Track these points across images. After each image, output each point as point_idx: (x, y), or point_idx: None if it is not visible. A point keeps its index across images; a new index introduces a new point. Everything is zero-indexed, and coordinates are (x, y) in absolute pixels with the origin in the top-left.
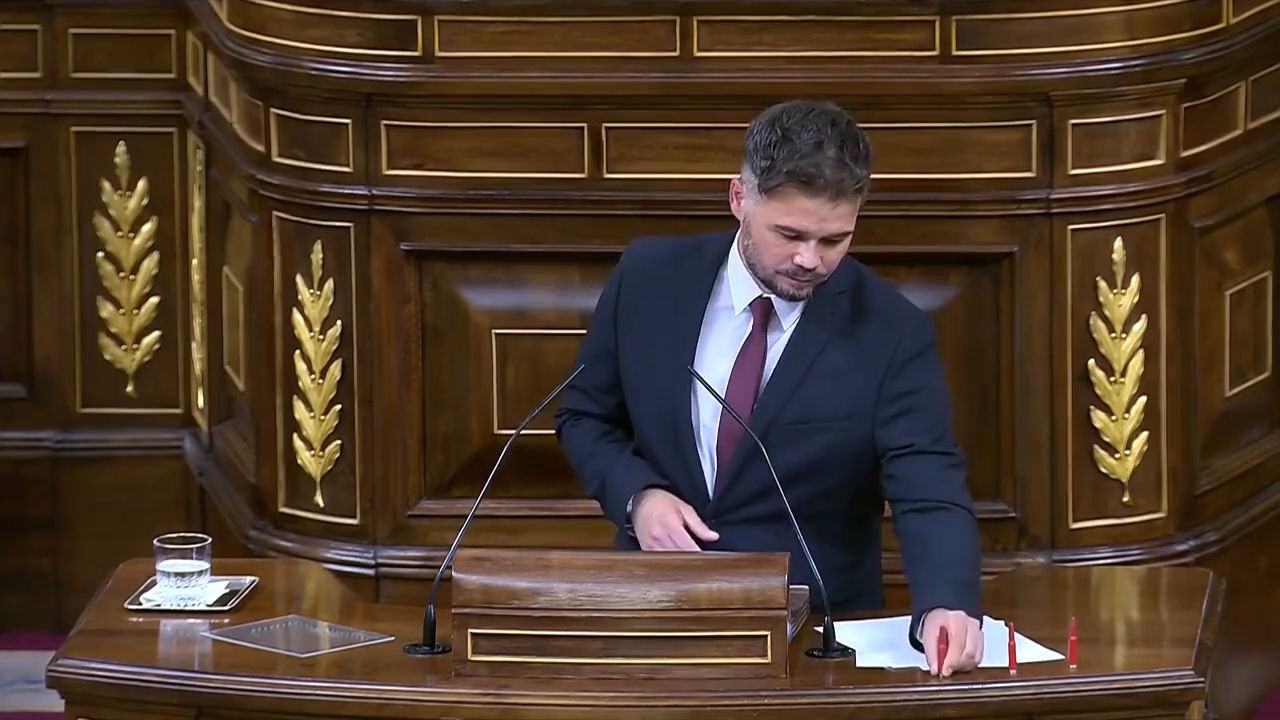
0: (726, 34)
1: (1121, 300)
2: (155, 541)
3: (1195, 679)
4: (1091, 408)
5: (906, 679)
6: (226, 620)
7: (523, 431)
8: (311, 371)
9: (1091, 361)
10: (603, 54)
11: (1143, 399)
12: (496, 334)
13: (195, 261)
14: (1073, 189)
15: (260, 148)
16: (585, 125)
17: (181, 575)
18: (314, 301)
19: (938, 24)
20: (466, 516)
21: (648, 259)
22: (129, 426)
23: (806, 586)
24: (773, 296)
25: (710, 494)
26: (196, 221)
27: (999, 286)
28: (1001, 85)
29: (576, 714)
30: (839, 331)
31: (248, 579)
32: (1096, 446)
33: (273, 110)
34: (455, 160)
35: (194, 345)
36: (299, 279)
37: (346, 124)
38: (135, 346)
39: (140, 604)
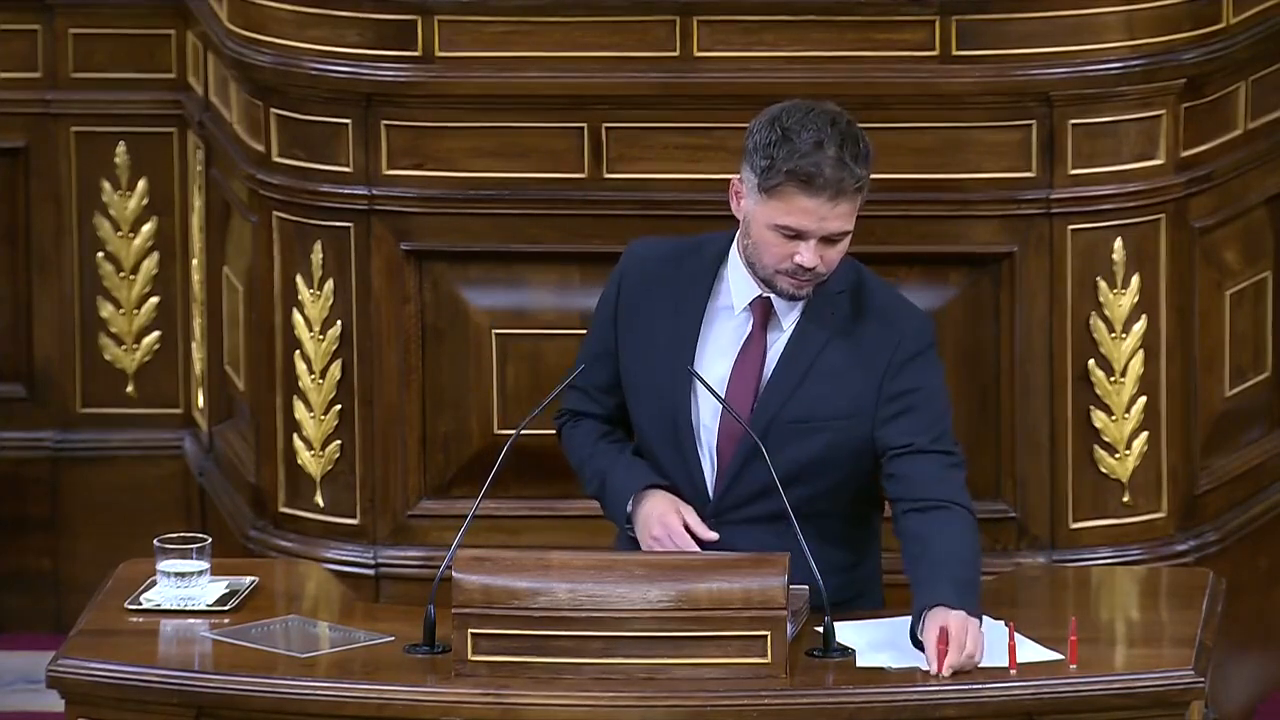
0: (726, 34)
1: (1121, 300)
2: (155, 541)
3: (1195, 679)
4: (1091, 408)
5: (906, 679)
6: (226, 620)
7: (523, 431)
8: (311, 371)
9: (1091, 361)
10: (603, 54)
11: (1143, 399)
12: (496, 334)
13: (195, 261)
14: (1073, 189)
15: (260, 148)
16: (585, 125)
17: (181, 575)
18: (314, 301)
19: (938, 24)
20: (466, 516)
21: (648, 259)
22: (129, 426)
23: (806, 586)
24: (772, 296)
25: (710, 494)
26: (196, 221)
27: (999, 286)
28: (1001, 85)
29: (576, 714)
30: (839, 331)
31: (248, 579)
32: (1096, 446)
33: (273, 110)
34: (455, 160)
35: (194, 345)
36: (299, 279)
37: (346, 124)
38: (135, 346)
39: (140, 604)
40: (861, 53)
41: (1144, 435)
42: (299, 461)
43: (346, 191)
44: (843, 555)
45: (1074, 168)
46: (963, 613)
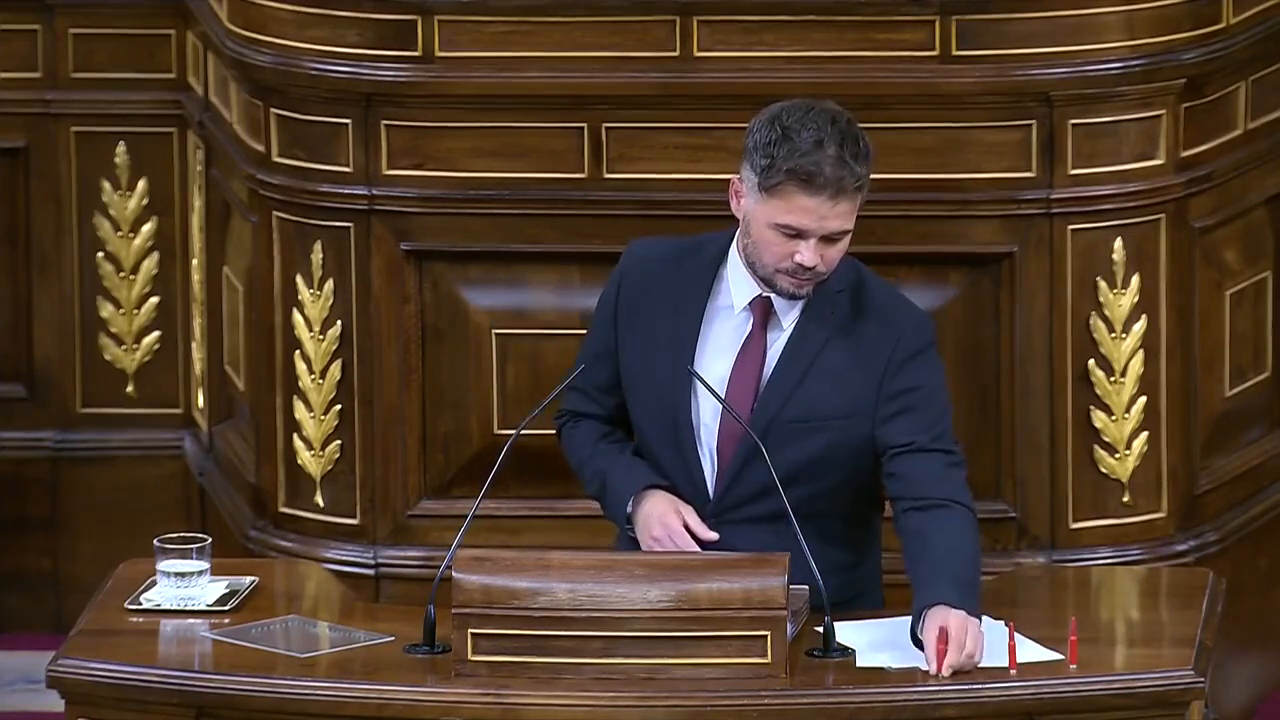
0: (726, 34)
1: (1121, 300)
2: (155, 541)
3: (1195, 679)
4: (1091, 408)
5: (906, 679)
6: (226, 620)
7: (523, 431)
8: (311, 371)
9: (1091, 361)
10: (603, 54)
11: (1143, 399)
12: (496, 334)
13: (195, 261)
14: (1073, 189)
15: (260, 148)
16: (585, 125)
17: (181, 575)
18: (314, 301)
19: (938, 24)
20: (466, 516)
21: (647, 259)
22: (129, 426)
23: (806, 586)
24: (772, 295)
25: (710, 494)
26: (196, 221)
27: (999, 286)
28: (1001, 85)
29: (576, 714)
30: (839, 330)
31: (248, 579)
32: (1096, 446)
33: (273, 110)
34: (455, 160)
35: (194, 345)
36: (299, 279)
37: (346, 124)
38: (135, 346)
39: (140, 604)
40: (861, 53)
41: (1144, 435)
42: (299, 461)
43: (346, 191)
44: (843, 555)
45: (1074, 168)
46: (963, 612)
